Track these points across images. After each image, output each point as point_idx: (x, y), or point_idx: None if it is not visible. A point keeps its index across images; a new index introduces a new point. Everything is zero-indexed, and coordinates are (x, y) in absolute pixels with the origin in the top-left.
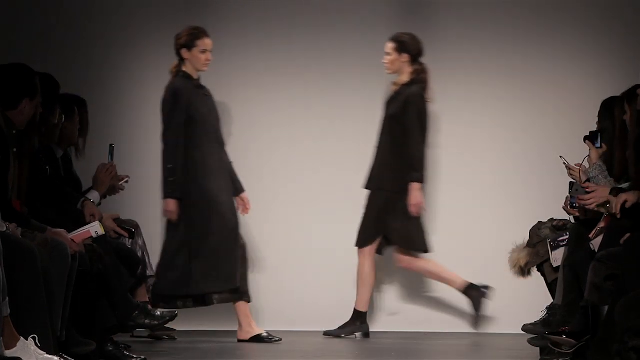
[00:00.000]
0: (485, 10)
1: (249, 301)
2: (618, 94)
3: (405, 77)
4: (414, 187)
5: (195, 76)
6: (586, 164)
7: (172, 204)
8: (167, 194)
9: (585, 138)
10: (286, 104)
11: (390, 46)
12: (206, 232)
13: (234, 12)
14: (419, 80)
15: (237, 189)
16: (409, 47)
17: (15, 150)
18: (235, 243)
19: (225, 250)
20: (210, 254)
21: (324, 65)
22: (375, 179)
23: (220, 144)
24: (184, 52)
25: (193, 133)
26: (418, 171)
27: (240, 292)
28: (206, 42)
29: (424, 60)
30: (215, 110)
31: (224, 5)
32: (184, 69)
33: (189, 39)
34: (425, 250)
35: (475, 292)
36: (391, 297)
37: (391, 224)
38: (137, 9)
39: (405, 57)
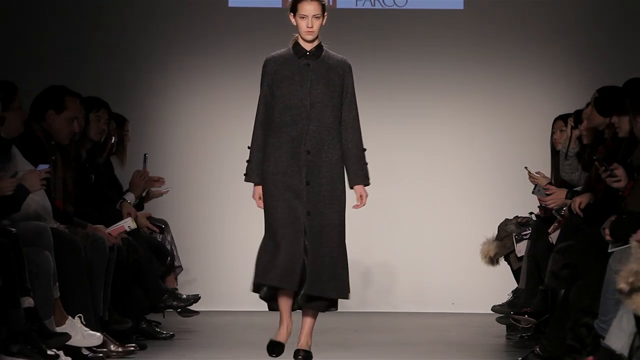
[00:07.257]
0: (452, 22)
1: None
2: (572, 101)
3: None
4: None
5: None
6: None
7: None
8: None
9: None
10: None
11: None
12: None
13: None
14: None
15: None
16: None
17: (53, 158)
18: None
19: None
20: None
21: None
22: None
23: None
24: None
25: None
26: None
27: None
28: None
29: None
30: None
31: (243, 17)
32: None
33: None
34: None
35: None
36: (372, 278)
37: None
38: (166, 29)
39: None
